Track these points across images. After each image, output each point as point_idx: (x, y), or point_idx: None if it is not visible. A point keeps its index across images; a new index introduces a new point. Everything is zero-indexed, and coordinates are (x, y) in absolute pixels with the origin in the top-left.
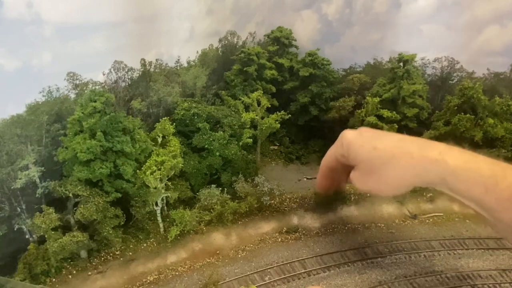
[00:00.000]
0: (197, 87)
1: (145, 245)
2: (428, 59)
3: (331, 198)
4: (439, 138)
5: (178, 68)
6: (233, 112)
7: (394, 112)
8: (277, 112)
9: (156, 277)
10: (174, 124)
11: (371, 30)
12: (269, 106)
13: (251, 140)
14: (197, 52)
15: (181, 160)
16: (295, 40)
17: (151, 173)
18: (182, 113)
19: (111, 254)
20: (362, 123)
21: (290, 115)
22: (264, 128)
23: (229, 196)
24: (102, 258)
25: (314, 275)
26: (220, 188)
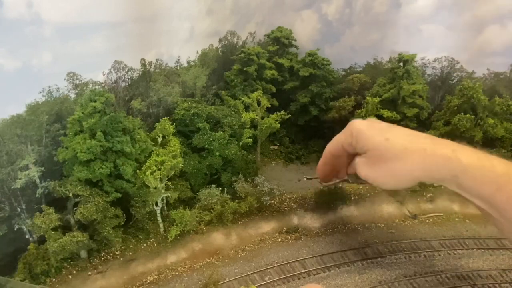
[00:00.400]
0: (197, 87)
1: (145, 245)
2: (428, 59)
3: (331, 197)
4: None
5: (178, 68)
6: (233, 112)
7: (394, 112)
8: (277, 112)
9: (156, 277)
10: (174, 124)
11: (371, 30)
12: (269, 106)
13: (251, 140)
14: (197, 52)
15: (181, 160)
16: (295, 40)
17: (151, 173)
18: (182, 113)
19: (111, 254)
20: None
21: (290, 115)
22: (264, 128)
23: (229, 196)
24: (102, 258)
25: (314, 275)
26: (220, 188)
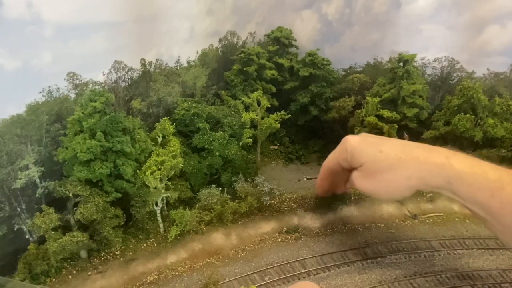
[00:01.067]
0: (197, 87)
1: (145, 245)
2: (428, 59)
3: (331, 198)
4: (439, 138)
5: (178, 68)
6: (233, 112)
7: (394, 112)
8: (277, 112)
9: (156, 277)
10: (174, 124)
11: (371, 30)
12: (269, 106)
13: (251, 140)
14: (197, 52)
15: (181, 160)
16: (295, 40)
17: (151, 173)
18: (182, 113)
19: (111, 254)
20: (362, 123)
21: (290, 115)
22: (264, 128)
23: (229, 196)
24: (102, 258)
25: (314, 275)
26: (220, 188)
